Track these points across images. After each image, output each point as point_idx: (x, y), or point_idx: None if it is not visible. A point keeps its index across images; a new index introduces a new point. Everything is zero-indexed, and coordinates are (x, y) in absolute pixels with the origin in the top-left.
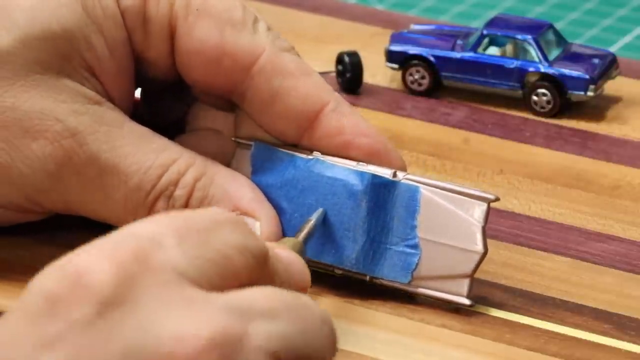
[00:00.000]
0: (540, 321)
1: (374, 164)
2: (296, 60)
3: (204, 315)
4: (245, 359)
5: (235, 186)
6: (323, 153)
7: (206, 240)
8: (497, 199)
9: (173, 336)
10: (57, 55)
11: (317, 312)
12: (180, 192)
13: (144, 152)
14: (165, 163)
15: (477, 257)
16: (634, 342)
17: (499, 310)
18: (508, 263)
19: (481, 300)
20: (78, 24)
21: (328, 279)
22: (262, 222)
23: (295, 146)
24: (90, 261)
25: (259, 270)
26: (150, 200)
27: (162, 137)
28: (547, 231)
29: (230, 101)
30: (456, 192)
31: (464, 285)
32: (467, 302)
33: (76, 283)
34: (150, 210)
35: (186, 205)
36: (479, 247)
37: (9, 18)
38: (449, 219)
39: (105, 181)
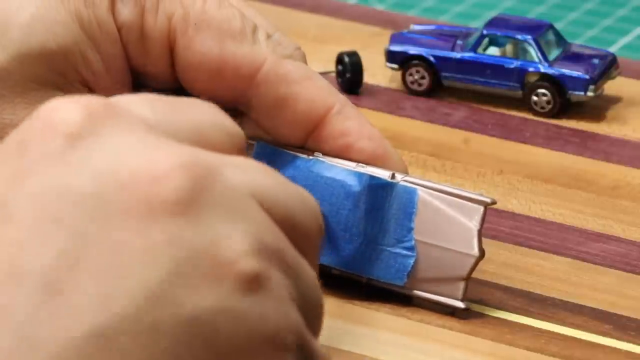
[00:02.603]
0: (540, 321)
1: (374, 166)
2: (298, 65)
3: (175, 149)
4: (222, 188)
5: None
6: (326, 154)
7: (180, 110)
8: (493, 202)
9: (143, 160)
10: (53, 72)
11: (299, 188)
12: None
13: None
14: None
15: (472, 261)
16: (634, 343)
17: (498, 311)
18: (508, 263)
19: (481, 301)
20: (74, 40)
21: (327, 279)
22: None
23: (299, 146)
24: (60, 104)
25: (236, 154)
26: None
27: None
28: (547, 231)
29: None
30: (453, 194)
31: (459, 288)
32: (461, 305)
33: (46, 122)
34: None
35: None
36: (475, 250)
37: (5, 35)
38: (445, 221)
39: None
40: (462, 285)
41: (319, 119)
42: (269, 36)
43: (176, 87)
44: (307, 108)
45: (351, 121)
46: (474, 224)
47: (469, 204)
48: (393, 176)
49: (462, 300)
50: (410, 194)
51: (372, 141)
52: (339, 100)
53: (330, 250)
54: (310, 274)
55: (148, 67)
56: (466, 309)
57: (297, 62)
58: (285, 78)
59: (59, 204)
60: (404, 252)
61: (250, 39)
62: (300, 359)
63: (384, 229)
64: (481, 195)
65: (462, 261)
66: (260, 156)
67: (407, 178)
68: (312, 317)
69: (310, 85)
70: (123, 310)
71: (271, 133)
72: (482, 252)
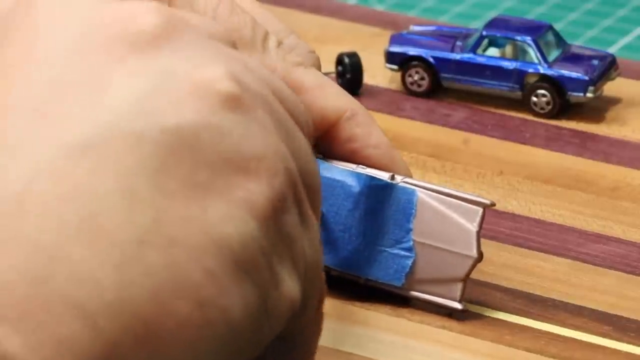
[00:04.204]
0: (540, 323)
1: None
2: (309, 73)
3: (153, 2)
4: (197, 34)
5: None
6: (334, 157)
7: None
8: (492, 204)
9: (119, 6)
10: None
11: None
12: None
13: None
14: None
15: (470, 262)
16: (634, 344)
17: (498, 312)
18: (508, 264)
19: (481, 302)
20: None
21: (327, 280)
22: None
23: None
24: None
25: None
26: None
27: None
28: (547, 232)
29: None
30: (452, 196)
31: (457, 289)
32: (459, 306)
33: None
34: None
35: None
36: (473, 252)
37: None
38: (444, 222)
39: None
40: (459, 286)
41: (329, 125)
42: (280, 43)
43: None
44: (319, 116)
45: (360, 128)
46: (473, 226)
47: (468, 205)
48: (393, 177)
49: (459, 302)
50: (410, 195)
51: (377, 150)
52: (350, 106)
53: (329, 251)
54: (304, 143)
55: None
56: (464, 310)
57: (308, 68)
58: (296, 87)
59: (45, 44)
60: (403, 252)
61: (260, 49)
62: (293, 202)
63: (383, 229)
64: (480, 197)
65: (460, 262)
66: None
67: (406, 179)
68: (309, 185)
69: (322, 92)
70: (107, 120)
71: None
72: (480, 255)
